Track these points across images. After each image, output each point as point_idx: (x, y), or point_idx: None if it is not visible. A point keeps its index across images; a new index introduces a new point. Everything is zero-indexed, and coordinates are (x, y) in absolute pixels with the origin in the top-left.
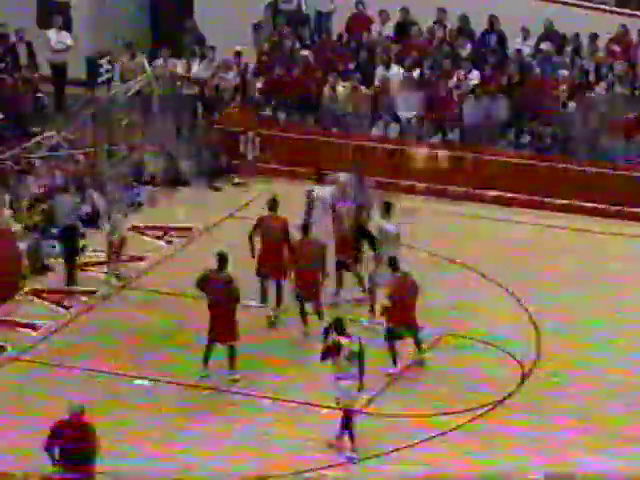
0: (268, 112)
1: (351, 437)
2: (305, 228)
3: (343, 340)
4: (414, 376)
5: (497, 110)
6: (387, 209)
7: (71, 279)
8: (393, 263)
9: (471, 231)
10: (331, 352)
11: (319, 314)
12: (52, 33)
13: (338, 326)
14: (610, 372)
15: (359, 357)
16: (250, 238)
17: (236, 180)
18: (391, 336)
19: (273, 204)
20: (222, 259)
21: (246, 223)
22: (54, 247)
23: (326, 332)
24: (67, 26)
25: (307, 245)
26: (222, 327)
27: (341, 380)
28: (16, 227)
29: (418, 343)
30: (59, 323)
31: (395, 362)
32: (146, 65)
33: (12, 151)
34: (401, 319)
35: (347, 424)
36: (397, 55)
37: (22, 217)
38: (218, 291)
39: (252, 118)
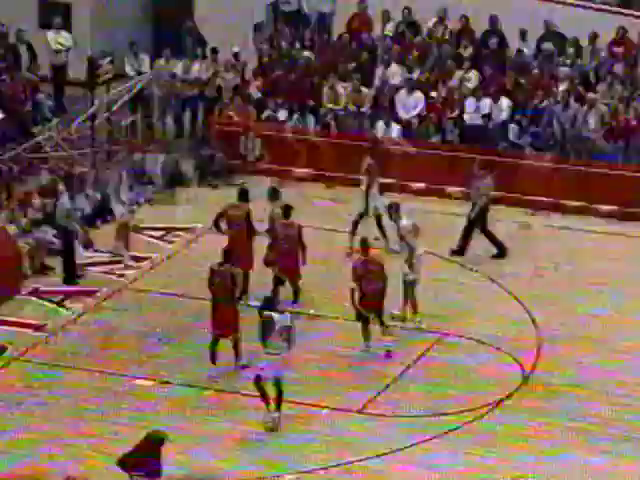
0: (268, 112)
1: (265, 401)
2: (287, 211)
3: (275, 315)
4: (414, 376)
5: (498, 110)
6: (396, 208)
7: (69, 278)
8: (363, 244)
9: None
10: (266, 329)
11: (296, 294)
12: (51, 34)
13: (269, 303)
14: (610, 373)
15: (289, 332)
16: (216, 225)
17: (236, 181)
18: (359, 318)
19: (243, 195)
20: (227, 254)
21: None
22: (53, 244)
23: (261, 311)
24: (67, 26)
25: (287, 227)
26: (225, 321)
27: (271, 354)
28: (12, 227)
29: (382, 324)
30: (59, 323)
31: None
32: (147, 64)
33: (12, 151)
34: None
35: (278, 396)
36: (398, 55)
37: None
38: (222, 285)
39: (252, 118)
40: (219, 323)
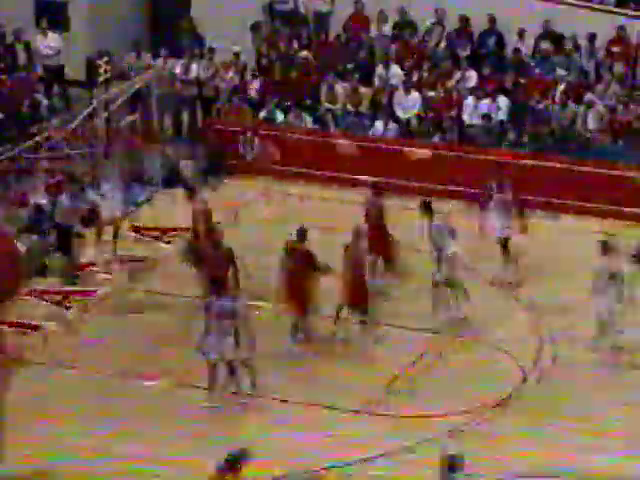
0: (265, 113)
1: (212, 384)
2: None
3: (214, 298)
4: (414, 376)
5: (496, 110)
6: (427, 209)
7: (68, 277)
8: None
9: (470, 230)
10: (205, 310)
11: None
12: (39, 37)
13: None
14: (611, 372)
15: (237, 315)
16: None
17: (228, 181)
18: None
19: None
20: (302, 232)
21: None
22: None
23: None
24: (65, 26)
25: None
26: (299, 297)
27: (211, 335)
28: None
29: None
30: (59, 323)
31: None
32: (152, 63)
33: (11, 151)
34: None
35: (232, 372)
36: (396, 55)
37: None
38: (297, 261)
39: (251, 118)
40: (293, 300)
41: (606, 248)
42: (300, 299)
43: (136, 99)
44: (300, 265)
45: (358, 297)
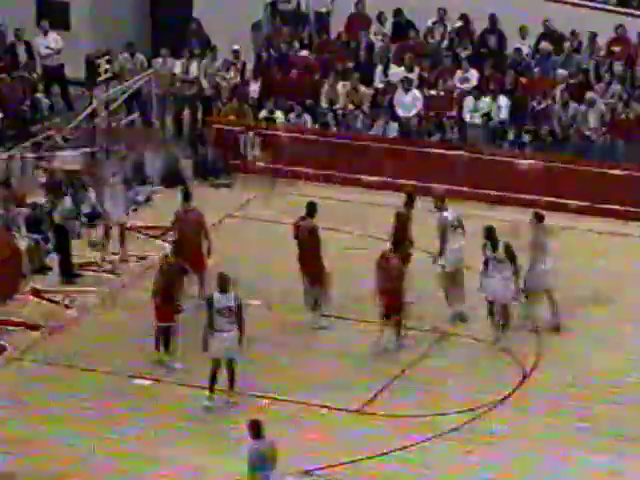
0: (265, 112)
1: (210, 388)
2: (410, 200)
3: (216, 295)
4: (414, 376)
5: (497, 110)
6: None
7: (66, 278)
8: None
9: (469, 230)
10: (207, 309)
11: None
12: (40, 38)
13: (218, 283)
14: (610, 372)
15: (237, 312)
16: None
17: (229, 180)
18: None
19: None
20: (311, 207)
21: (245, 222)
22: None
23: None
24: (66, 26)
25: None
26: (311, 270)
27: (216, 333)
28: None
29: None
30: (59, 323)
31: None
32: (145, 64)
33: (11, 151)
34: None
35: (231, 375)
36: (396, 55)
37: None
38: (302, 237)
39: (251, 118)
40: (305, 273)
41: (539, 220)
42: (312, 270)
43: (136, 99)
44: (307, 239)
45: (396, 306)
